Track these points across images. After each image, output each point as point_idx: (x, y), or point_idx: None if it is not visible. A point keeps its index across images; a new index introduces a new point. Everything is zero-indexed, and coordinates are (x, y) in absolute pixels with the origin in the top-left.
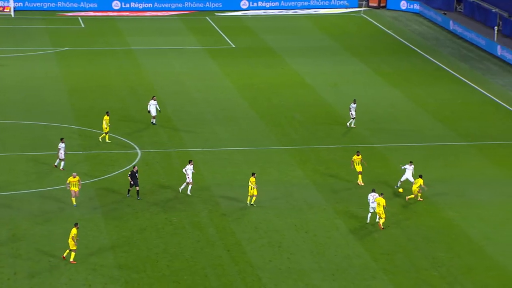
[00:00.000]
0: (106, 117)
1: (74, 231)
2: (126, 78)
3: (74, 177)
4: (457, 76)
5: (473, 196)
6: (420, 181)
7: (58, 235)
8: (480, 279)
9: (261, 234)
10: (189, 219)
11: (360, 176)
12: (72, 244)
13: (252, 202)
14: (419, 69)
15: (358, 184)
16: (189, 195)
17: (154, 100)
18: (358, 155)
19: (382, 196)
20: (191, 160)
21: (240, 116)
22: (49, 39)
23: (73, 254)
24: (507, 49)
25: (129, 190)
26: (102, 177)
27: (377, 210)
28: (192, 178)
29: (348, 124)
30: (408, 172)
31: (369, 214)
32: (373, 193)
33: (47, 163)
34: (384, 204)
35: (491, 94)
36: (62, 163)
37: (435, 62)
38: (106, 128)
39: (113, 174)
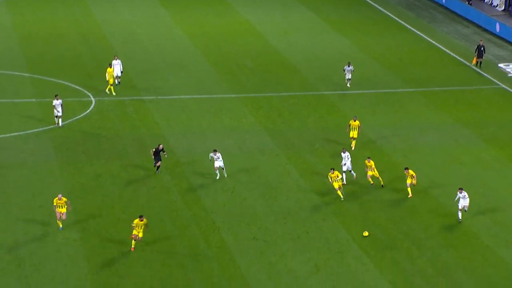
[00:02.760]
0: (109, 69)
1: (136, 221)
2: (77, 26)
3: (60, 199)
4: (404, 25)
5: (419, 141)
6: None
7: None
8: (424, 219)
9: (214, 179)
10: (144, 165)
11: (353, 142)
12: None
13: None
14: (367, 18)
15: (351, 149)
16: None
17: (117, 59)
18: (355, 121)
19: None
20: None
21: (192, 64)
22: None
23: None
24: None
25: (157, 167)
26: (56, 125)
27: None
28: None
29: (348, 85)
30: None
31: (344, 174)
32: (347, 153)
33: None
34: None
35: (436, 41)
36: (60, 120)
37: (383, 11)
38: (110, 79)
39: (67, 121)
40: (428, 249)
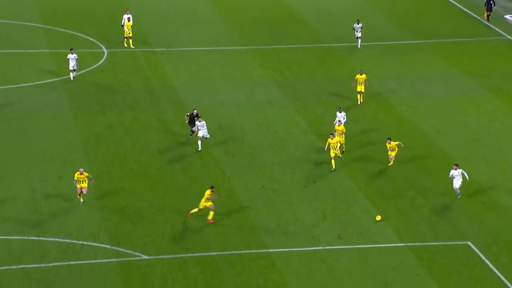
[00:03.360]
0: (128, 23)
1: (208, 192)
2: None
3: (82, 174)
4: None
5: (425, 92)
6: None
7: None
8: (429, 169)
9: (224, 130)
10: (155, 116)
11: (360, 96)
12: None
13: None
14: None
15: (358, 103)
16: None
17: (128, 13)
18: (361, 74)
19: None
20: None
21: (203, 17)
22: None
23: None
24: None
25: (191, 132)
26: (70, 77)
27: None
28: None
29: (358, 46)
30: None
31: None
32: (343, 113)
33: (13, 62)
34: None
35: None
36: (74, 73)
37: None
38: (129, 33)
39: (81, 72)
40: (432, 197)
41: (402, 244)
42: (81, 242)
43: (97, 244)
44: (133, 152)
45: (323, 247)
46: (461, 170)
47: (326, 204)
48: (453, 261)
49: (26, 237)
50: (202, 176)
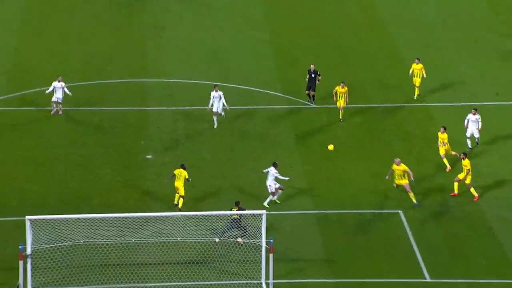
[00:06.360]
0: None
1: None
2: None
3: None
4: None
5: None
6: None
7: None
8: None
9: None
10: None
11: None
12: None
13: None
14: None
15: None
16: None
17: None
18: (343, 87)
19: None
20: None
21: None
22: None
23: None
24: None
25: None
26: None
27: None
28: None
29: None
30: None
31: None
32: None
33: None
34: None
35: None
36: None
37: None
38: None
39: None
40: None
41: None
42: (257, 89)
43: (270, 92)
44: (305, 10)
45: (480, 103)
46: (479, 116)
47: (485, 62)
48: None
49: (210, 82)
50: (368, 35)
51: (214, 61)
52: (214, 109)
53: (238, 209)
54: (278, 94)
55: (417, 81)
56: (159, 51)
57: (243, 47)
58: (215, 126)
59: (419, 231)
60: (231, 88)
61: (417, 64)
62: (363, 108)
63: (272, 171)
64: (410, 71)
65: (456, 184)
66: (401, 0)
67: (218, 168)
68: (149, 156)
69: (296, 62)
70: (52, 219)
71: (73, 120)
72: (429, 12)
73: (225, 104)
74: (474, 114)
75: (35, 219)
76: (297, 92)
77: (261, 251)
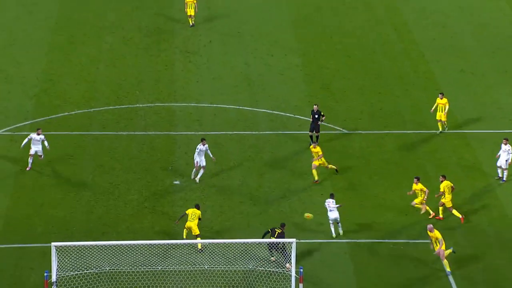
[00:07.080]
0: None
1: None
2: None
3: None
4: None
5: None
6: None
7: None
8: None
9: (427, 15)
10: (362, 0)
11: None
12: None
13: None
14: None
15: None
16: None
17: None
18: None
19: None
20: None
21: None
22: None
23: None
24: None
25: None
26: None
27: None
28: None
29: None
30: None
31: None
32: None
33: None
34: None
35: None
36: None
37: None
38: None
39: None
40: None
41: None
42: (288, 114)
43: (301, 117)
44: (338, 34)
45: None
46: (510, 147)
47: None
48: None
49: (240, 107)
50: (402, 58)
51: (244, 85)
52: (200, 163)
53: (281, 232)
54: (308, 119)
55: (441, 116)
56: (188, 75)
57: (273, 72)
58: (197, 181)
59: (456, 262)
60: (261, 112)
61: (441, 99)
62: (398, 134)
63: (330, 202)
64: (434, 107)
65: (440, 208)
66: (437, 24)
67: (247, 194)
68: (176, 182)
69: (328, 87)
70: (78, 245)
71: (100, 144)
72: (465, 36)
73: (211, 156)
74: (505, 144)
75: (61, 246)
76: (329, 117)
77: (290, 280)
